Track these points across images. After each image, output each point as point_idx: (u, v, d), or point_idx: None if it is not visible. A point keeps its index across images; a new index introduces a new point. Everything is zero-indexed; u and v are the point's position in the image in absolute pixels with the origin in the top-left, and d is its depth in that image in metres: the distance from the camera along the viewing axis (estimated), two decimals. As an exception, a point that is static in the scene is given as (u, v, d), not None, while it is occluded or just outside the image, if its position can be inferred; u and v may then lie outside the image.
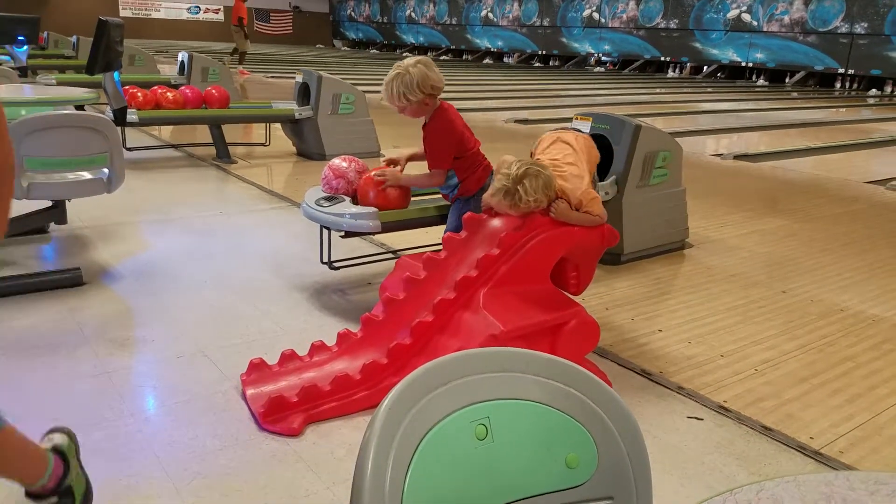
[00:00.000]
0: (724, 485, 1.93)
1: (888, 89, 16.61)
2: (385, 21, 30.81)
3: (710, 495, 0.75)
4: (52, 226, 3.75)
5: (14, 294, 2.92)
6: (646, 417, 2.24)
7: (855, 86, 17.38)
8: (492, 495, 0.89)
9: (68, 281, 3.06)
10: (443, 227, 2.96)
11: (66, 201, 3.35)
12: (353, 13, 32.46)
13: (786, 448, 2.11)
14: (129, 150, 5.64)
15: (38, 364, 2.38)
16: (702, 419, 2.25)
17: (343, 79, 6.44)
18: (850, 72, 17.05)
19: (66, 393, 2.21)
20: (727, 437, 2.16)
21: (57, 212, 3.35)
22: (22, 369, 2.34)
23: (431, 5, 28.38)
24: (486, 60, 25.84)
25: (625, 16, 21.76)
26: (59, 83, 6.63)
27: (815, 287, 3.49)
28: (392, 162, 2.98)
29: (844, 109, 13.46)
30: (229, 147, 5.99)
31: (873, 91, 16.74)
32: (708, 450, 2.09)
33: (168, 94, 5.61)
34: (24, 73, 7.56)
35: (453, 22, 27.52)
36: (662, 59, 21.03)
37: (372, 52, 29.56)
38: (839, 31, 17.00)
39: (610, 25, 22.21)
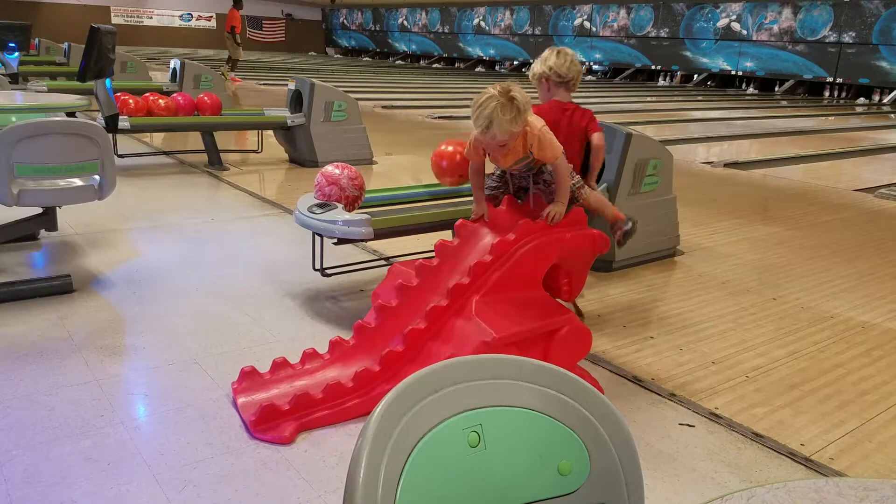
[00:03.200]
0: (716, 491, 1.93)
1: (876, 98, 16.77)
2: (377, 29, 30.88)
3: (702, 502, 0.76)
4: (43, 232, 3.74)
5: (4, 301, 2.90)
6: (637, 424, 2.24)
7: (843, 94, 17.54)
8: (484, 502, 0.89)
9: (58, 288, 3.04)
10: (435, 235, 2.96)
11: (57, 208, 3.33)
12: (345, 21, 32.53)
13: (777, 455, 2.12)
14: (120, 156, 5.62)
15: (27, 372, 2.37)
16: (693, 426, 2.26)
17: (336, 86, 6.45)
18: (839, 80, 17.21)
19: (55, 401, 2.20)
20: (718, 443, 2.16)
21: (47, 219, 3.33)
22: (11, 377, 2.33)
23: (424, 14, 28.48)
24: (479, 69, 25.93)
25: (616, 24, 21.91)
26: (51, 90, 6.61)
27: (806, 294, 3.51)
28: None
29: (833, 118, 13.57)
30: (221, 154, 5.98)
31: (861, 99, 16.90)
32: (700, 456, 2.09)
33: (160, 101, 5.61)
34: (15, 79, 7.53)
35: (445, 30, 27.62)
36: (653, 67, 21.17)
37: (364, 59, 29.62)
38: (828, 41, 17.17)
39: (601, 34, 22.34)
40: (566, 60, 2.85)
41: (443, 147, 3.30)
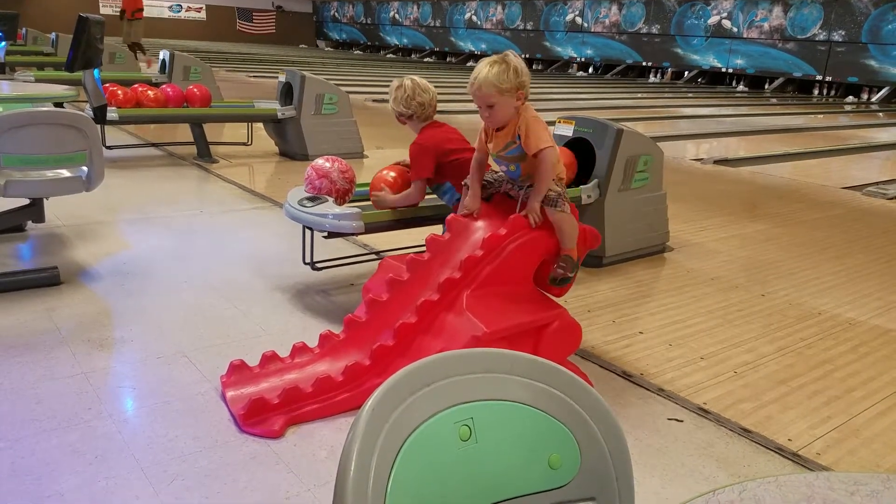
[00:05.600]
0: (705, 486, 1.95)
1: (865, 96, 16.88)
2: (369, 22, 30.76)
3: (690, 496, 0.76)
4: (30, 224, 3.70)
5: (-10, 293, 2.87)
6: (626, 419, 2.25)
7: (832, 92, 17.64)
8: (475, 496, 0.89)
9: (45, 280, 3.01)
10: (426, 229, 2.95)
11: (44, 199, 3.30)
12: (336, 14, 32.37)
13: (765, 450, 2.13)
14: (108, 148, 5.57)
15: (14, 364, 2.35)
16: (682, 421, 2.27)
17: (326, 79, 6.42)
18: (828, 79, 17.30)
19: (43, 394, 2.18)
20: (707, 438, 2.18)
21: (35, 210, 3.30)
22: (-3, 370, 2.31)
23: (415, 7, 28.38)
24: (470, 63, 25.88)
25: (607, 20, 21.91)
26: (38, 80, 6.55)
27: (794, 290, 3.53)
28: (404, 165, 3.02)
29: (822, 116, 13.65)
30: (210, 146, 5.95)
31: (850, 98, 17.00)
32: (688, 451, 2.10)
33: (149, 92, 5.56)
34: (2, 69, 7.46)
35: (437, 24, 27.54)
36: (644, 63, 21.21)
37: (355, 53, 29.49)
38: (817, 39, 17.25)
39: (592, 30, 22.35)
40: (403, 94, 2.81)
41: (384, 172, 3.08)
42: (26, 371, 2.31)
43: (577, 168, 3.52)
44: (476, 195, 2.53)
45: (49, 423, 2.03)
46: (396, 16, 29.28)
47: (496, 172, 2.61)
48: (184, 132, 6.27)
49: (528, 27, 24.23)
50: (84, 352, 2.47)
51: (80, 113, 3.06)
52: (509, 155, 2.44)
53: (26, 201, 3.28)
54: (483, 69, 2.30)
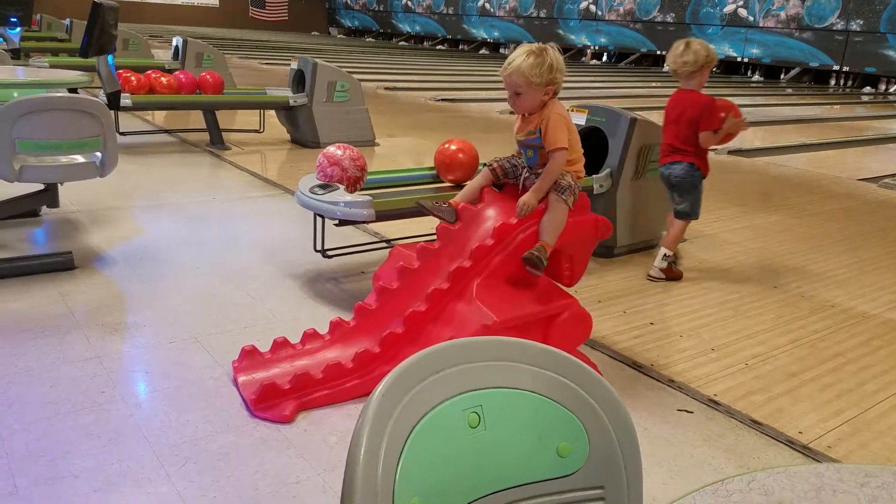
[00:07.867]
0: (714, 477, 1.94)
1: (882, 87, 16.66)
2: (381, 9, 30.64)
3: (700, 486, 0.76)
4: (44, 209, 3.73)
5: (5, 277, 2.90)
6: (636, 409, 2.25)
7: (849, 83, 17.42)
8: (483, 483, 0.89)
9: (60, 265, 3.04)
10: (436, 220, 2.94)
11: (59, 185, 3.33)
12: (349, 1, 32.26)
13: (775, 442, 2.13)
14: (122, 134, 5.60)
15: (29, 348, 2.37)
16: (692, 412, 2.27)
17: (338, 66, 6.41)
18: (845, 69, 17.08)
19: (57, 377, 2.21)
20: (717, 430, 2.17)
21: (49, 195, 3.33)
22: (13, 353, 2.33)
23: (428, -6, 28.22)
24: (483, 51, 25.76)
25: (622, 9, 21.72)
26: (52, 66, 6.58)
27: (807, 283, 3.50)
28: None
29: (839, 106, 13.49)
30: (223, 133, 5.96)
31: (867, 88, 16.79)
32: (697, 442, 2.10)
33: (162, 78, 5.57)
34: (17, 55, 7.49)
35: (450, 11, 27.39)
36: (658, 52, 21.02)
37: (368, 40, 29.41)
38: (835, 28, 17.02)
39: (606, 18, 22.16)
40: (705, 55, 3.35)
41: (445, 146, 3.27)
42: (41, 354, 2.34)
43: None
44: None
45: (63, 406, 2.06)
46: (409, 3, 29.15)
47: (519, 158, 2.59)
48: (196, 119, 6.29)
49: (542, 15, 24.06)
50: (98, 336, 2.49)
51: (95, 99, 3.08)
52: (529, 142, 2.44)
53: (41, 186, 3.30)
54: (520, 57, 2.29)
